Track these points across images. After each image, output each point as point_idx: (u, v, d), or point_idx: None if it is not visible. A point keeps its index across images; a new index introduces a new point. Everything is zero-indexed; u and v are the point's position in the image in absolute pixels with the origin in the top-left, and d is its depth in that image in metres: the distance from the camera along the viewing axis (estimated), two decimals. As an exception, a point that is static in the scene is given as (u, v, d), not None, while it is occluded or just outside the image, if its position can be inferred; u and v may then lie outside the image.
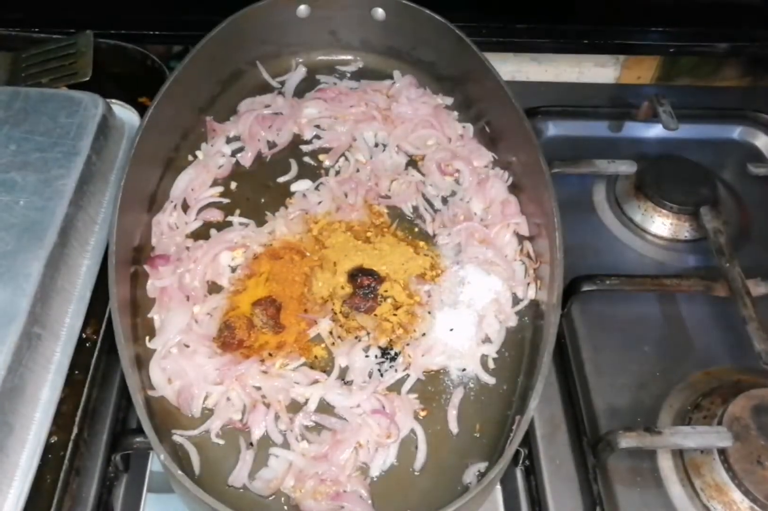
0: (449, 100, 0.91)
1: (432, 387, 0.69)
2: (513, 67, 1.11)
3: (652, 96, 0.95)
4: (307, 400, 0.66)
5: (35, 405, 0.61)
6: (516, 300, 0.75)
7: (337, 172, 0.84)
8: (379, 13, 0.88)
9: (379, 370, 0.69)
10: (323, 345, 0.70)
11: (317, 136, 0.87)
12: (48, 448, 0.60)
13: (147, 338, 0.68)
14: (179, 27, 0.98)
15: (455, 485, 0.63)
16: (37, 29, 0.93)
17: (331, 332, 0.71)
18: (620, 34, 1.04)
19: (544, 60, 1.10)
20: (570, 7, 1.03)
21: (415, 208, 0.82)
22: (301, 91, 0.91)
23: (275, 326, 0.69)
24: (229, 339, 0.68)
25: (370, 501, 0.62)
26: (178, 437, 0.63)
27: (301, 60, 0.94)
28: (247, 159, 0.84)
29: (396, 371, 0.69)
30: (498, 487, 0.70)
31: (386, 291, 0.73)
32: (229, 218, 0.79)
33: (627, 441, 0.64)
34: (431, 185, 0.84)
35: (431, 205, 0.82)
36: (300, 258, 0.75)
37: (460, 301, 0.73)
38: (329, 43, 0.93)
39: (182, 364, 0.66)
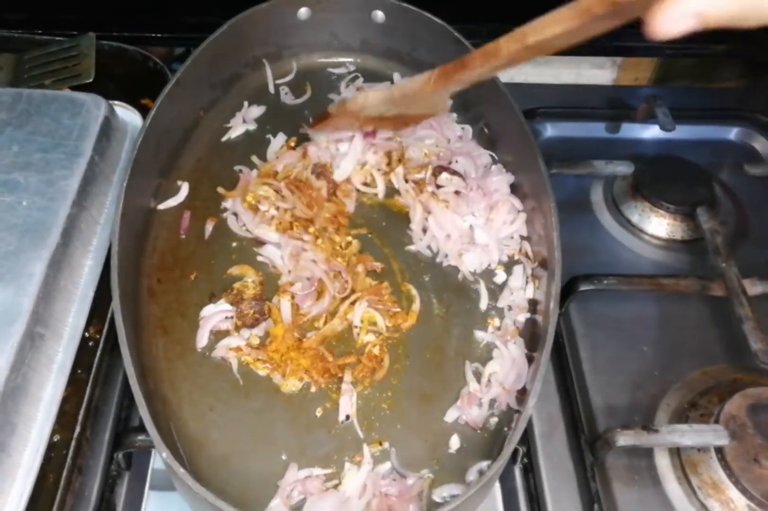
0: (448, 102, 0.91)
1: (431, 386, 0.70)
2: (511, 69, 1.11)
3: (650, 97, 0.96)
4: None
5: (38, 404, 0.61)
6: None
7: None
8: (379, 15, 0.89)
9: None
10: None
11: (317, 138, 0.88)
12: (50, 447, 0.60)
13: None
14: (181, 29, 0.99)
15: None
16: (39, 31, 0.93)
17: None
18: (617, 35, 1.04)
19: (542, 62, 1.11)
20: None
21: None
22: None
23: None
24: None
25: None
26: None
27: (301, 62, 0.95)
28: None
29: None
30: (497, 485, 0.71)
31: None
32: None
33: (624, 439, 0.65)
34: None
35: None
36: None
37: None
38: (329, 45, 0.94)
39: None
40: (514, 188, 0.83)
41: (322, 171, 0.81)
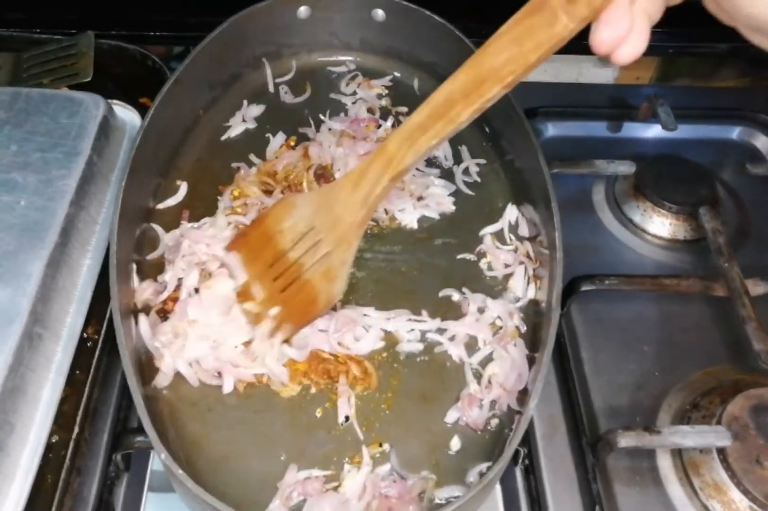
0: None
1: (432, 387, 0.69)
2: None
3: (651, 96, 0.96)
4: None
5: (36, 405, 0.61)
6: (515, 299, 0.75)
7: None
8: (380, 14, 0.89)
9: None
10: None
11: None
12: (49, 447, 0.60)
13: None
14: (180, 28, 0.99)
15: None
16: (38, 30, 0.93)
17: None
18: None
19: (543, 61, 1.11)
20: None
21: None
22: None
23: None
24: None
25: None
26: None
27: (301, 61, 0.94)
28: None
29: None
30: (498, 486, 0.70)
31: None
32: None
33: (626, 440, 0.64)
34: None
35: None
36: None
37: (460, 301, 0.73)
38: (329, 44, 0.94)
39: None
40: (515, 188, 0.83)
41: (323, 173, 0.81)
